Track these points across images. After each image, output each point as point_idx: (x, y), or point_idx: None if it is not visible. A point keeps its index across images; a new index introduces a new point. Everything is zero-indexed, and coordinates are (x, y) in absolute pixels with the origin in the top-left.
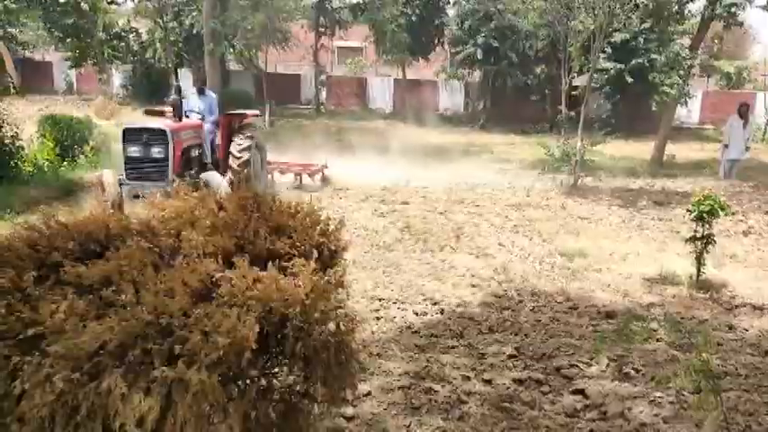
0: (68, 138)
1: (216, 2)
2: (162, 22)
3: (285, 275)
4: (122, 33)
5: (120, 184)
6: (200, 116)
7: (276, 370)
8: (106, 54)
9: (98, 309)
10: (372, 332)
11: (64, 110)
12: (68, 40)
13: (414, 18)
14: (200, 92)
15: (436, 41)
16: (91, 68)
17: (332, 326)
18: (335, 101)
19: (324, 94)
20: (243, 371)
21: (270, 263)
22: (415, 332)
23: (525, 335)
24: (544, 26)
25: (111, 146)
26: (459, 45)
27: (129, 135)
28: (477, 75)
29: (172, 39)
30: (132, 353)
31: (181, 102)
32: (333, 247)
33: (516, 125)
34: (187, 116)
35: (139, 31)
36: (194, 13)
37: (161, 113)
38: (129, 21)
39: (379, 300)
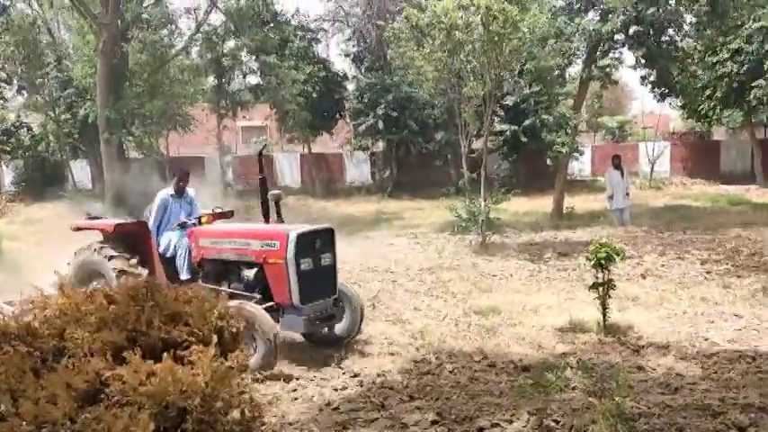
0: None
1: (109, 91)
2: (54, 115)
3: (183, 365)
4: (12, 129)
5: None
6: (191, 223)
7: None
8: None
9: None
10: (283, 414)
11: None
12: None
13: (314, 95)
14: (180, 192)
15: (338, 115)
16: None
17: (236, 414)
18: (243, 180)
19: (230, 173)
20: None
21: (165, 353)
22: (335, 408)
23: (446, 398)
24: (439, 95)
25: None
26: (361, 117)
27: (303, 244)
28: (381, 144)
29: (66, 130)
30: None
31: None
32: (234, 330)
33: (423, 190)
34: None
35: (30, 125)
36: (88, 103)
37: (117, 231)
38: (19, 116)
39: (296, 379)
